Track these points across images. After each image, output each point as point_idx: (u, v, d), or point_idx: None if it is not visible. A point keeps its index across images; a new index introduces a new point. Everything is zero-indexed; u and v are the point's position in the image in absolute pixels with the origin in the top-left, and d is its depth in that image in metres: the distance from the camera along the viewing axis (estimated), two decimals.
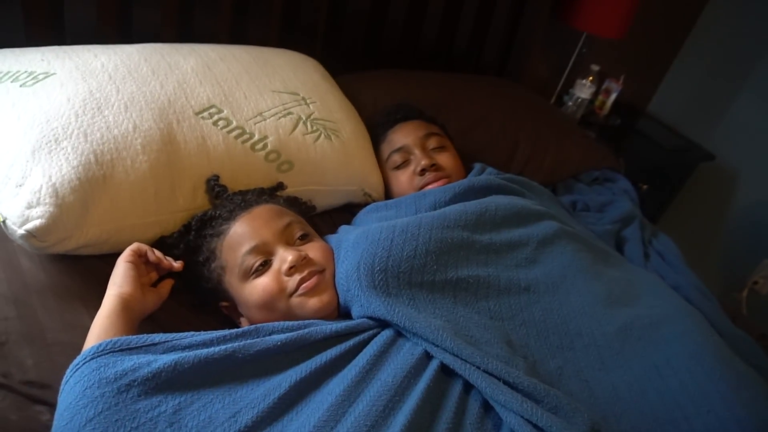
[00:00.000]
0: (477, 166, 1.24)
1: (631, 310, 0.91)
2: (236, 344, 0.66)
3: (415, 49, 1.71)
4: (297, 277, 0.79)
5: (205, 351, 0.64)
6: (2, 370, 0.70)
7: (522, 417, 0.65)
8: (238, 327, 0.83)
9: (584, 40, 1.94)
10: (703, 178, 2.30)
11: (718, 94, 2.25)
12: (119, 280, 0.76)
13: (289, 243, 0.84)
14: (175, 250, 0.88)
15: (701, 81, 2.30)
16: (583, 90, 1.96)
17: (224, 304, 0.85)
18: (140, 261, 0.81)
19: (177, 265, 0.84)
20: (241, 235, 0.82)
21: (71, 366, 0.62)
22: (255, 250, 0.80)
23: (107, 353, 0.62)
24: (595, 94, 2.06)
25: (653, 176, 2.06)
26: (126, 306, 0.74)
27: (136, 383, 0.59)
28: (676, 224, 2.39)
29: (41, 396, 0.69)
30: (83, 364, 0.61)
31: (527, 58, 1.89)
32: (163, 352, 0.64)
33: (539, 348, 0.83)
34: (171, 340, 0.66)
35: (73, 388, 0.59)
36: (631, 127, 2.21)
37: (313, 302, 0.79)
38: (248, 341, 0.67)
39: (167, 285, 0.84)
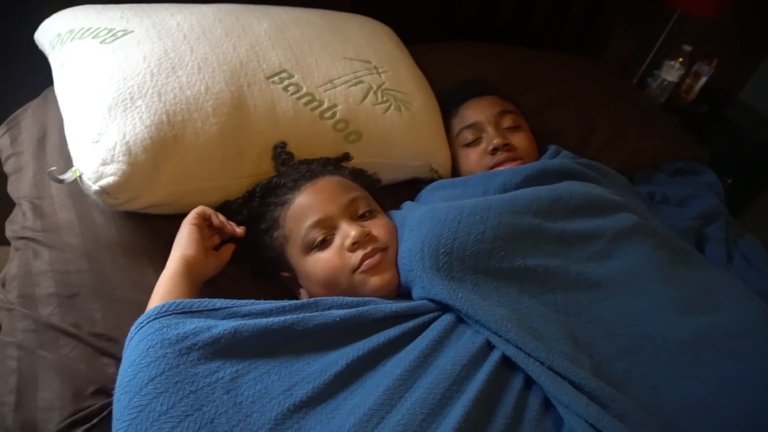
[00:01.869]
0: (551, 148, 1.17)
1: (709, 317, 0.84)
2: (295, 316, 0.65)
3: (491, 21, 1.63)
4: (360, 253, 0.77)
5: (264, 321, 0.63)
6: (73, 321, 0.73)
7: (585, 421, 0.61)
8: (297, 298, 0.83)
9: (677, 18, 1.80)
10: None
11: None
12: (184, 242, 0.77)
13: (353, 218, 0.82)
14: (238, 216, 0.87)
15: None
16: (671, 72, 1.82)
17: (285, 274, 0.85)
18: (204, 224, 0.82)
19: (239, 230, 0.84)
20: (305, 206, 0.81)
21: (136, 324, 0.63)
22: (319, 224, 0.79)
23: (170, 314, 0.62)
24: (683, 77, 1.91)
25: (739, 170, 1.90)
26: (189, 268, 0.74)
27: (196, 347, 0.59)
28: (762, 224, 2.21)
29: (108, 349, 0.71)
30: (147, 323, 0.62)
31: (610, 35, 1.77)
32: (223, 318, 0.64)
33: (606, 348, 0.78)
34: (231, 307, 0.65)
35: (137, 346, 0.59)
36: (718, 115, 2.05)
37: (375, 281, 0.77)
38: (307, 314, 0.66)
39: (228, 250, 0.85)
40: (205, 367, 0.58)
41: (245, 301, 0.67)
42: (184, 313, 0.63)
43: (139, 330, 0.62)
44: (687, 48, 1.84)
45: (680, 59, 1.82)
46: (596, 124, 1.38)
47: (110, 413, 0.64)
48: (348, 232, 0.78)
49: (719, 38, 1.99)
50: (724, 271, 1.07)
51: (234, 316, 0.65)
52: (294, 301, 0.69)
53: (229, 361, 0.60)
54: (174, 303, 0.63)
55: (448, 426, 0.57)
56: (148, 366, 0.57)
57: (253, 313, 0.65)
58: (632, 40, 1.96)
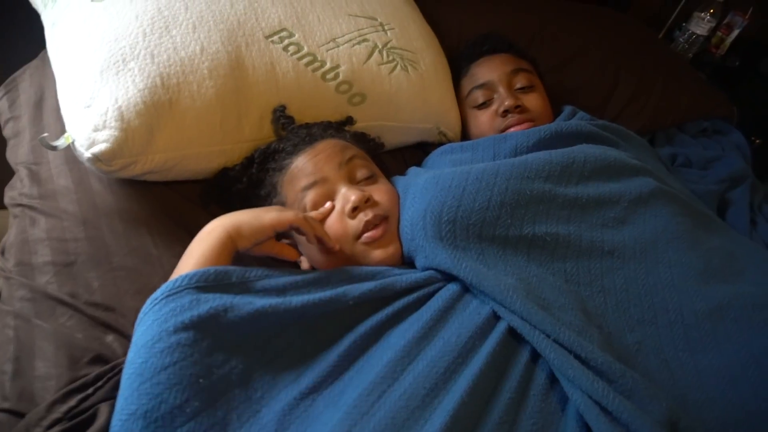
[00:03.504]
0: (567, 109, 1.12)
1: (730, 287, 0.80)
2: (310, 297, 0.62)
3: None
4: (362, 218, 0.74)
5: (280, 302, 0.60)
6: (70, 290, 0.72)
7: (590, 397, 0.59)
8: (297, 267, 0.81)
9: None
10: None
11: None
12: (247, 231, 0.68)
13: (351, 181, 0.79)
14: (237, 184, 0.85)
15: None
16: (700, 25, 1.71)
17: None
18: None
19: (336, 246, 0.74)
20: (301, 169, 0.78)
21: (151, 299, 0.59)
22: (314, 186, 0.76)
23: (184, 290, 0.59)
24: (714, 30, 1.79)
25: None
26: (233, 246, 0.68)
27: (210, 333, 0.56)
28: None
29: (105, 318, 0.70)
30: (162, 299, 0.58)
31: None
32: (240, 293, 0.61)
33: (617, 319, 0.75)
34: (246, 281, 0.62)
35: (151, 326, 0.56)
36: (751, 70, 1.93)
37: (378, 254, 0.75)
38: (323, 295, 0.63)
39: (288, 251, 0.76)
40: (218, 357, 0.56)
41: (257, 271, 0.64)
42: (198, 288, 0.59)
43: (153, 306, 0.58)
44: None
45: (711, 10, 1.70)
46: (619, 80, 1.32)
47: (106, 384, 0.64)
48: (348, 196, 0.75)
49: None
50: (747, 237, 1.03)
51: (249, 291, 0.62)
52: (307, 275, 0.66)
53: (242, 349, 0.58)
54: (188, 276, 0.60)
55: (451, 401, 0.56)
56: (162, 353, 0.54)
57: (267, 290, 0.63)
58: None
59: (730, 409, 0.68)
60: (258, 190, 0.83)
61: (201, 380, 0.54)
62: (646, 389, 0.60)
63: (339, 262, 0.75)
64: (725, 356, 0.72)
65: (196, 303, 0.57)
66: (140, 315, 0.60)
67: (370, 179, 0.81)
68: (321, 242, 0.72)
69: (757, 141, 1.80)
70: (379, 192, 0.79)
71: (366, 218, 0.74)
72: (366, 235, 0.74)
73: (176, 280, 0.59)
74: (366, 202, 0.75)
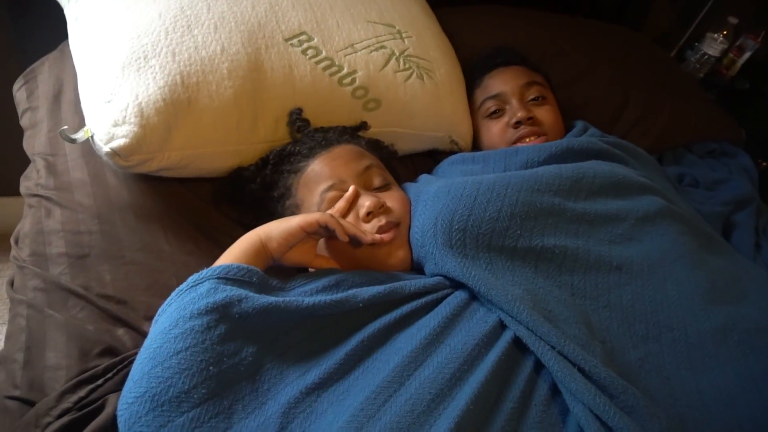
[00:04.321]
0: (578, 124, 1.13)
1: (734, 309, 0.81)
2: (322, 298, 0.64)
3: None
4: (375, 224, 0.76)
5: (292, 300, 0.62)
6: (83, 282, 0.73)
7: (591, 411, 0.59)
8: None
9: None
10: None
11: None
12: (280, 238, 0.69)
13: (367, 188, 0.80)
14: (251, 184, 0.86)
15: None
16: (713, 45, 1.72)
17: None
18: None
19: (368, 238, 0.73)
20: (318, 173, 0.80)
21: (176, 290, 0.61)
22: (333, 189, 0.78)
23: (205, 281, 0.61)
24: (726, 51, 1.81)
25: None
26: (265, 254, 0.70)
27: (224, 321, 0.58)
28: None
29: (116, 311, 0.71)
30: (186, 290, 0.60)
31: (652, 4, 1.68)
32: (257, 292, 0.62)
33: (621, 335, 0.76)
34: (264, 283, 0.65)
35: (172, 314, 0.58)
36: (760, 93, 1.95)
37: (388, 258, 0.76)
38: (334, 297, 0.65)
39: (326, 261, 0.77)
40: (230, 346, 0.57)
41: (277, 281, 0.66)
42: (219, 279, 0.61)
43: (178, 296, 0.60)
44: (733, 20, 1.73)
45: (724, 32, 1.72)
46: (629, 98, 1.32)
47: (116, 375, 0.65)
48: (362, 202, 0.77)
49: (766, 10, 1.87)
50: (751, 260, 1.04)
51: (266, 290, 0.63)
52: (319, 281, 0.67)
53: (253, 340, 0.59)
54: (212, 269, 0.62)
55: (456, 407, 0.57)
56: (176, 338, 0.55)
57: (283, 289, 0.65)
58: (675, 9, 1.85)
59: (726, 431, 0.68)
60: (271, 191, 0.84)
61: (211, 368, 0.55)
62: (646, 407, 0.61)
63: (349, 264, 0.76)
64: (726, 378, 0.73)
65: (214, 292, 0.59)
66: (163, 306, 0.61)
67: (384, 187, 0.82)
68: (354, 237, 0.72)
69: (764, 164, 1.81)
70: (392, 199, 0.80)
71: (380, 223, 0.76)
72: (379, 237, 0.75)
73: (201, 273, 0.62)
74: (380, 208, 0.77)
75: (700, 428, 0.68)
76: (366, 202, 0.76)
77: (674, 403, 0.70)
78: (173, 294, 0.61)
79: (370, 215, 0.76)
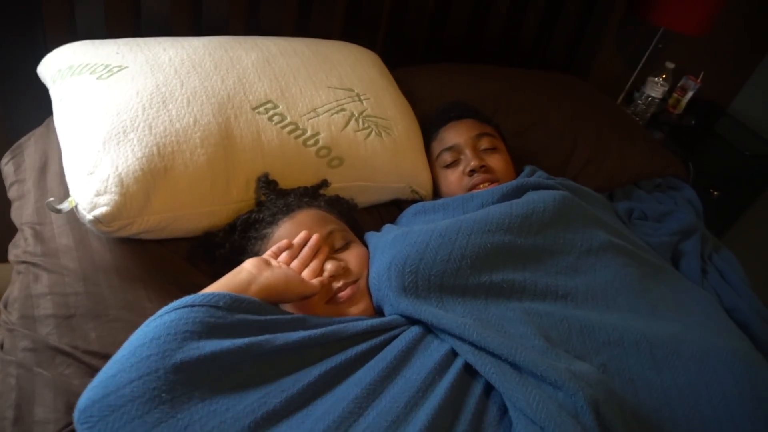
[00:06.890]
0: (527, 168, 1.22)
1: (679, 324, 0.87)
2: (287, 336, 0.67)
3: (480, 42, 1.68)
4: (334, 286, 0.82)
5: (250, 337, 0.65)
6: (69, 340, 0.78)
7: (533, 421, 0.63)
8: None
9: (660, 36, 1.84)
10: None
11: None
12: (263, 278, 0.74)
13: (330, 251, 0.87)
14: (221, 249, 0.92)
15: None
16: (655, 88, 1.86)
17: None
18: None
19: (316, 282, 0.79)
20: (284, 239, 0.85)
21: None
22: None
23: (172, 311, 0.63)
24: (669, 92, 1.95)
25: (727, 182, 1.94)
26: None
27: (180, 356, 0.59)
28: (746, 238, 2.23)
29: (101, 366, 0.73)
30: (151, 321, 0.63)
31: (598, 53, 1.82)
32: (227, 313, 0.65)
33: (582, 343, 0.79)
34: (231, 307, 0.67)
35: (132, 339, 0.61)
36: (707, 128, 2.08)
37: (350, 310, 0.82)
38: (290, 331, 0.69)
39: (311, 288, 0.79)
40: (184, 375, 0.58)
41: (248, 301, 0.69)
42: (185, 307, 0.63)
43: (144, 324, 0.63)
44: (670, 65, 1.88)
45: (663, 75, 1.86)
46: (578, 142, 1.42)
47: None
48: (326, 266, 0.83)
49: (706, 53, 2.03)
50: (699, 285, 1.10)
51: (231, 316, 0.66)
52: (285, 317, 0.72)
53: (207, 376, 0.61)
54: (180, 301, 0.64)
55: None
56: (131, 367, 0.57)
57: (248, 324, 0.67)
58: (620, 58, 2.00)
59: (692, 428, 0.73)
60: (240, 256, 0.90)
61: (164, 395, 0.56)
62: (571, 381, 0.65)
63: (324, 315, 0.81)
64: (691, 374, 0.77)
65: (182, 319, 0.61)
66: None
67: (345, 246, 0.89)
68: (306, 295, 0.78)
69: (716, 193, 1.92)
70: (353, 256, 0.87)
71: (338, 285, 0.82)
72: (338, 295, 0.82)
73: (170, 306, 0.65)
74: (341, 271, 0.83)
75: (665, 427, 0.72)
76: (328, 266, 0.83)
77: (639, 405, 0.73)
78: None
79: (331, 278, 0.82)
